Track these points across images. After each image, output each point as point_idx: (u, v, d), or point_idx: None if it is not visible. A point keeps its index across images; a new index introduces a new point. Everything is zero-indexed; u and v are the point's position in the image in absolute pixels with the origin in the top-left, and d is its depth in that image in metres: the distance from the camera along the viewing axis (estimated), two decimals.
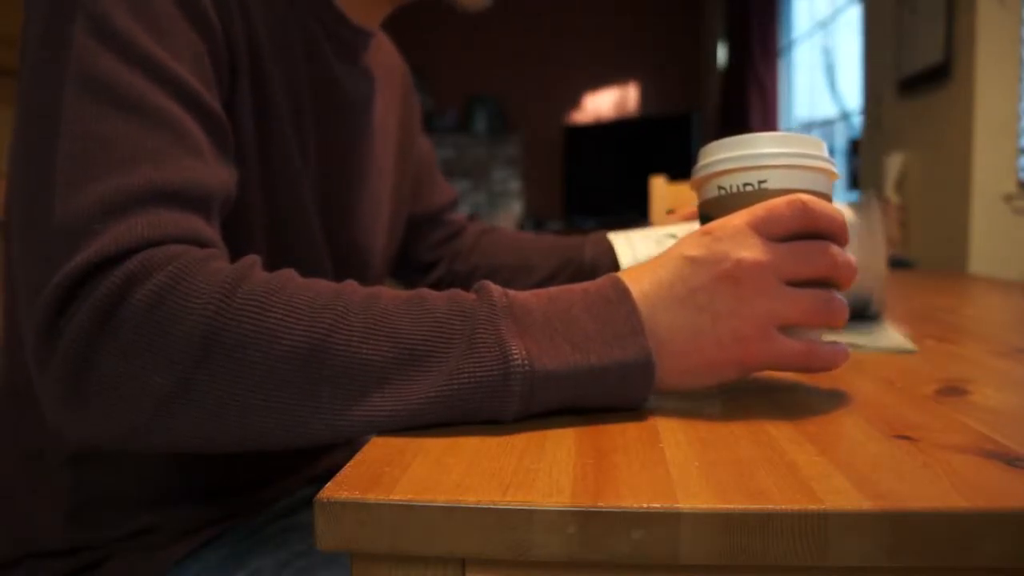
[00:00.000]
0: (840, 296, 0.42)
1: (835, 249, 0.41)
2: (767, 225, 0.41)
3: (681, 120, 4.67)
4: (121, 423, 0.38)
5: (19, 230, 0.42)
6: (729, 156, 0.45)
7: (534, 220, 5.22)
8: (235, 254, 0.49)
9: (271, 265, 0.53)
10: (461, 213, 0.93)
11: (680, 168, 4.34)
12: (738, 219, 0.41)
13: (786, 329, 0.41)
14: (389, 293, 0.41)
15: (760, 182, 0.44)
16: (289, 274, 0.41)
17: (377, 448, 0.36)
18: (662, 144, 4.74)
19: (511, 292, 0.41)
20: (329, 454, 0.73)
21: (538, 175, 5.39)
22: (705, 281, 0.40)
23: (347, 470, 0.33)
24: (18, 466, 0.56)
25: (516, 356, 0.38)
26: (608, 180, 5.01)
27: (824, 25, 3.69)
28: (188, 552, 0.58)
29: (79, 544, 0.55)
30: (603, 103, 5.28)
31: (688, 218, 0.83)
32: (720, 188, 0.45)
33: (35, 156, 0.42)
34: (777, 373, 0.51)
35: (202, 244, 0.42)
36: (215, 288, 0.38)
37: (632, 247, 0.79)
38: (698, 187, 0.48)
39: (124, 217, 0.40)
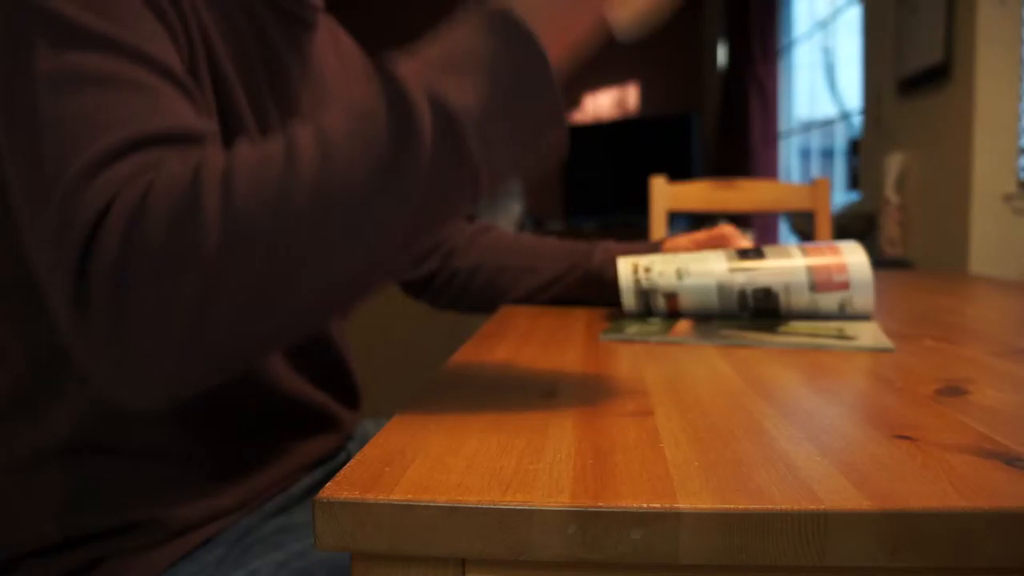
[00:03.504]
0: None
1: None
2: None
3: (681, 120, 4.67)
4: (170, 341, 0.39)
5: (28, 226, 0.43)
6: None
7: (534, 220, 5.22)
8: None
9: None
10: None
11: (680, 168, 4.34)
12: None
13: None
14: (316, 128, 0.43)
15: None
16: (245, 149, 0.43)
17: (377, 448, 0.36)
18: (662, 144, 4.74)
19: (402, 60, 0.44)
20: (319, 439, 0.72)
21: (538, 175, 5.38)
22: None
23: (347, 470, 0.33)
24: (9, 466, 0.56)
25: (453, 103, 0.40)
26: (608, 180, 5.00)
27: (824, 25, 3.69)
28: (185, 552, 0.58)
29: (74, 542, 0.55)
30: (603, 103, 5.29)
31: (697, 242, 0.83)
32: None
33: (24, 153, 0.43)
34: (777, 374, 0.51)
35: (183, 142, 0.44)
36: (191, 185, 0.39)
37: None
38: None
39: (115, 166, 0.41)
